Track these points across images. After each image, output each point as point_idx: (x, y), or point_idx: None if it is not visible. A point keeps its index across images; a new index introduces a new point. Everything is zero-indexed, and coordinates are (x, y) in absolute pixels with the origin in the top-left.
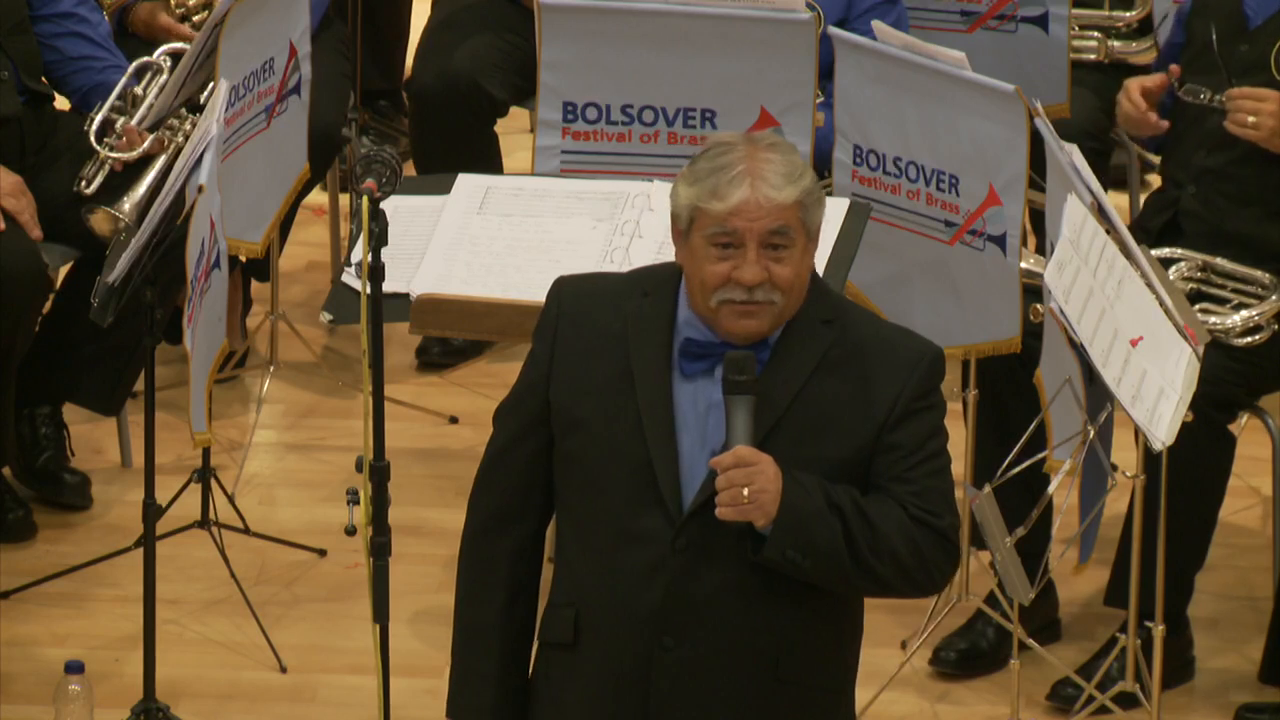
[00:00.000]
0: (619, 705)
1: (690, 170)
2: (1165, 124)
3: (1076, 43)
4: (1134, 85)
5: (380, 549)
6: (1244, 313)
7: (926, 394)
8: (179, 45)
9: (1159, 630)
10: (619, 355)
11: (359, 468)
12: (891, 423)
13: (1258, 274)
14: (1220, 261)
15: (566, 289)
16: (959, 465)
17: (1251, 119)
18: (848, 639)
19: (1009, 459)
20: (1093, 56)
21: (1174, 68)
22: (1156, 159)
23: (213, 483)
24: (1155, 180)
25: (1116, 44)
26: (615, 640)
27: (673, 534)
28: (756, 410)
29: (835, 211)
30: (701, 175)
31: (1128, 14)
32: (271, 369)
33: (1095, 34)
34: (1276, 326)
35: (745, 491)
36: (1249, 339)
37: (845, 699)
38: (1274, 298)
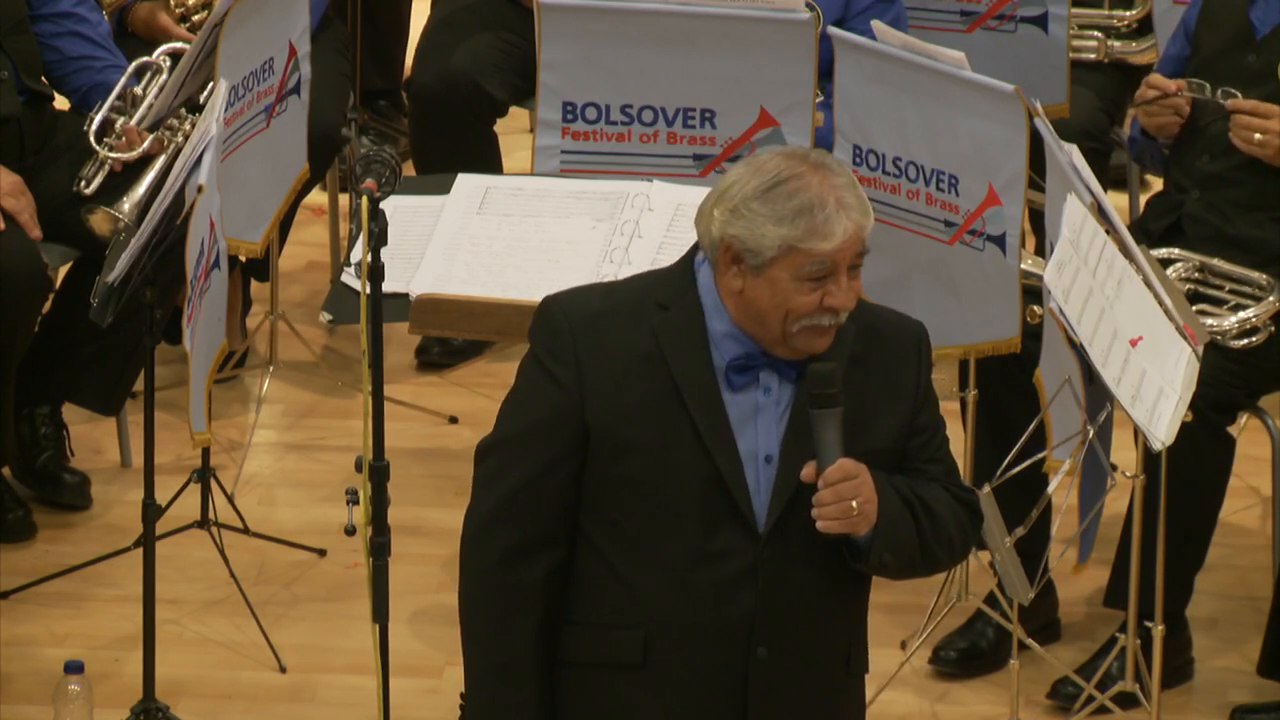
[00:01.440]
0: (713, 718)
1: (766, 207)
2: (1188, 108)
3: (1076, 42)
4: (1150, 79)
5: (380, 549)
6: (1240, 314)
7: (929, 373)
8: (179, 45)
9: (1158, 630)
10: (659, 373)
11: (359, 468)
12: (918, 406)
13: (1255, 275)
14: (1218, 262)
15: (570, 310)
16: (959, 465)
17: (1258, 136)
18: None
19: (1008, 459)
20: (1092, 56)
21: (1177, 83)
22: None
23: (212, 483)
24: (1155, 181)
25: (1116, 44)
26: (702, 657)
27: (758, 546)
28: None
29: None
30: (787, 214)
31: (1128, 14)
32: (271, 369)
33: (1095, 34)
34: (1273, 328)
35: (854, 504)
36: (1245, 341)
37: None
38: (1270, 299)
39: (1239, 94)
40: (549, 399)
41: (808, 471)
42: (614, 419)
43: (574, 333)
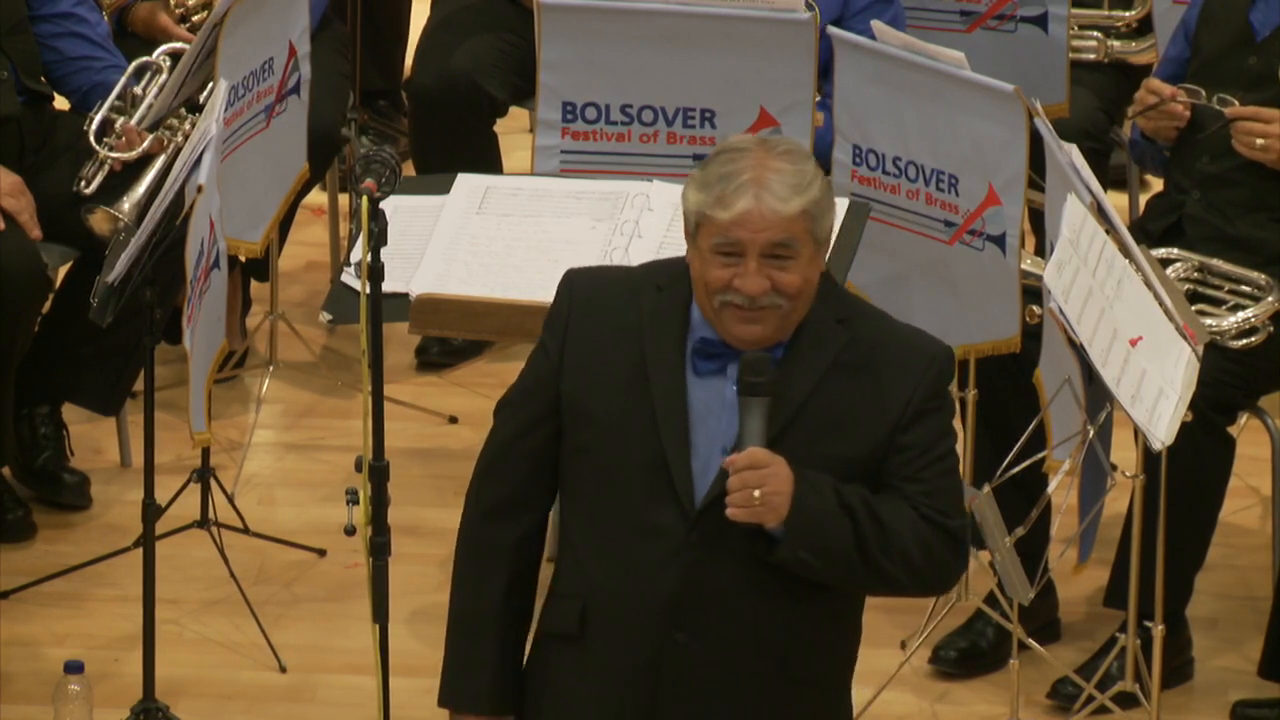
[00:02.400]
0: (627, 697)
1: (701, 173)
2: (1186, 114)
3: (1076, 42)
4: (1148, 83)
5: (379, 549)
6: (1240, 314)
7: (937, 394)
8: (178, 45)
9: (1158, 630)
10: (634, 351)
11: (358, 468)
12: (905, 423)
13: (1254, 275)
14: (1217, 263)
15: (579, 281)
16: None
17: (1260, 141)
18: (850, 636)
19: (1008, 459)
20: (1092, 56)
21: (1173, 90)
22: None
23: (212, 482)
24: (1155, 181)
25: (1116, 44)
26: (625, 633)
27: (686, 529)
28: (771, 409)
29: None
30: (710, 181)
31: (1127, 14)
32: (271, 369)
33: (1095, 34)
34: (1272, 328)
35: (757, 493)
36: (1244, 341)
37: (845, 696)
38: (1270, 299)
39: (1236, 100)
40: (536, 366)
41: (728, 460)
42: (582, 389)
43: (572, 305)
